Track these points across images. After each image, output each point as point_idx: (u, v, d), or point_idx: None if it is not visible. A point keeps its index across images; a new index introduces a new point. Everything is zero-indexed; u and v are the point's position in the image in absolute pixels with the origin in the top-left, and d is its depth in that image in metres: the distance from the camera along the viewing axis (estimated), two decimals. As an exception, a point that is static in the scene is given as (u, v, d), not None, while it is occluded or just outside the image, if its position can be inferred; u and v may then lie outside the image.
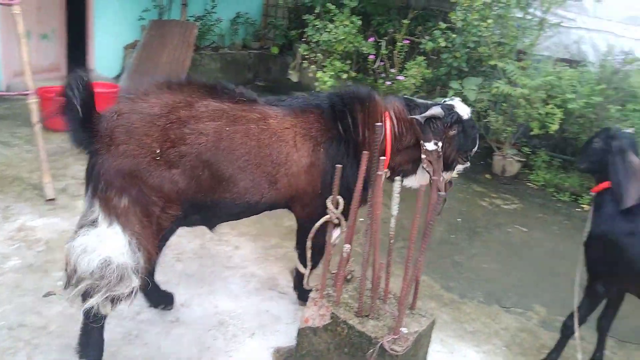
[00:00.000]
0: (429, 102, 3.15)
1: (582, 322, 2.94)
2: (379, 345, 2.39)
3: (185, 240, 4.18)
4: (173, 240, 3.18)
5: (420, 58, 6.57)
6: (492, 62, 6.28)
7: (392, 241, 2.58)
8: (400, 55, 6.79)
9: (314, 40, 7.30)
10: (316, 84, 7.30)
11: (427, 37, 6.89)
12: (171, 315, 3.27)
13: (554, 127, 5.53)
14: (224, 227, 4.43)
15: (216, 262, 3.96)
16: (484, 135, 6.80)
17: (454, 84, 6.46)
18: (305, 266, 3.02)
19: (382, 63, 6.98)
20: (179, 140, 2.40)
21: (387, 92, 7.03)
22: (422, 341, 2.61)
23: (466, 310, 3.70)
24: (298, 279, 3.38)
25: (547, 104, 5.85)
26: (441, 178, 2.96)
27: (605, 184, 2.84)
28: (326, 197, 2.67)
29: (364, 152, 2.51)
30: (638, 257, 2.64)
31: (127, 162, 2.31)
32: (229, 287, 3.66)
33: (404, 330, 2.48)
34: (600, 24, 6.79)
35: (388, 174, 2.92)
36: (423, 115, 2.92)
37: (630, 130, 2.98)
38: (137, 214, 2.37)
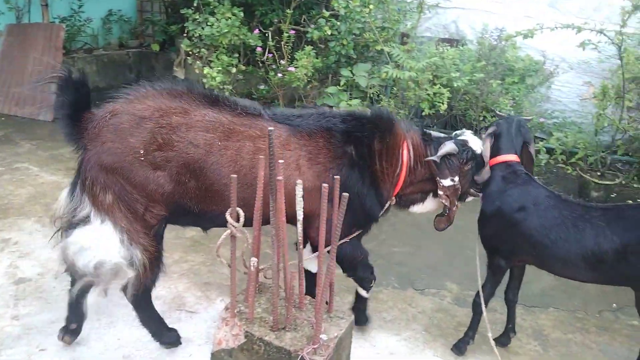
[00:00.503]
0: (441, 135, 3.14)
1: (490, 296, 3.02)
2: (299, 358, 2.24)
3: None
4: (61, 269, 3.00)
5: (309, 48, 6.47)
6: (378, 47, 6.34)
7: (300, 247, 2.43)
8: (287, 45, 6.63)
9: (196, 35, 6.92)
10: (204, 80, 6.95)
11: (312, 26, 6.80)
12: (66, 356, 2.89)
13: (443, 106, 5.70)
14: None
15: (114, 288, 3.57)
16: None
17: (345, 72, 6.45)
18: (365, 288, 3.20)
19: (271, 55, 6.78)
20: (166, 145, 2.45)
21: (280, 84, 6.87)
22: (343, 344, 2.50)
23: (383, 298, 3.68)
24: (359, 302, 3.32)
25: (435, 85, 6.02)
26: (454, 208, 3.02)
27: (494, 161, 2.93)
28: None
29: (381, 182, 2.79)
30: (531, 230, 2.74)
31: (110, 158, 2.42)
32: (132, 314, 3.31)
33: (323, 337, 2.35)
34: (475, 2, 7.13)
35: (393, 202, 3.03)
36: (438, 155, 2.89)
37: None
38: (122, 209, 2.48)
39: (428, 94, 5.99)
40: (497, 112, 3.83)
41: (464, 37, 7.15)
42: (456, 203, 3.00)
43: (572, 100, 6.67)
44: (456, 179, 2.91)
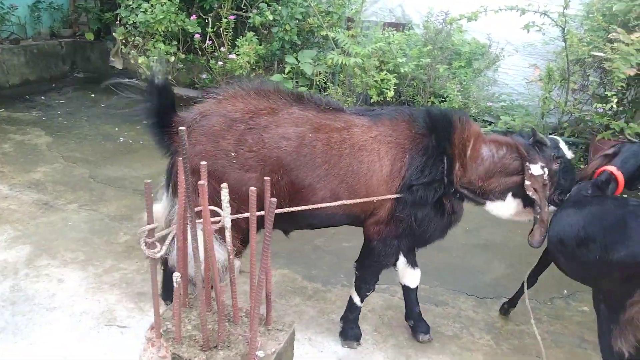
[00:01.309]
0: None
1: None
2: (233, 380, 2.02)
3: (-10, 283, 3.39)
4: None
5: (250, 34, 6.17)
6: (323, 33, 6.11)
7: (231, 257, 2.19)
8: (227, 32, 6.29)
9: (130, 22, 6.49)
10: (140, 70, 6.54)
11: (254, 11, 6.48)
12: None
13: (390, 93, 5.54)
14: (42, 259, 3.71)
15: (35, 305, 3.24)
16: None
17: (290, 59, 6.20)
18: (361, 293, 2.96)
19: (211, 42, 6.43)
20: (257, 145, 2.45)
21: (222, 72, 6.53)
22: (283, 358, 2.29)
23: (331, 298, 3.49)
24: (350, 311, 3.06)
25: (381, 71, 5.85)
26: (546, 208, 2.68)
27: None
28: (404, 215, 2.63)
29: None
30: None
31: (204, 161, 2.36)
32: (54, 334, 3.00)
33: (260, 354, 2.13)
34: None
35: (457, 185, 2.71)
36: (533, 137, 2.74)
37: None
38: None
39: (375, 81, 5.82)
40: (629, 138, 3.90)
41: (410, 21, 7.01)
42: (546, 202, 2.68)
43: (519, 83, 6.65)
44: (546, 169, 2.66)
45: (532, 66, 5.99)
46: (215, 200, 2.37)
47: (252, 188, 1.99)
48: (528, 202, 2.76)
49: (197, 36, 6.35)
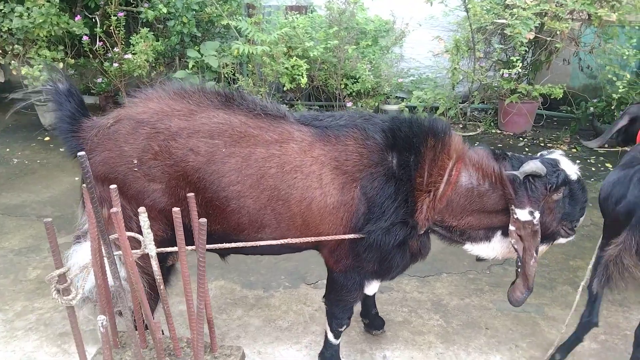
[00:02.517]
0: (522, 156, 2.33)
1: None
2: None
3: None
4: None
5: (144, 30, 5.72)
6: (223, 22, 5.80)
7: (161, 287, 1.94)
8: (119, 30, 5.79)
9: (4, 29, 5.78)
10: (25, 81, 5.88)
11: (146, 6, 6.01)
12: None
13: (304, 80, 5.38)
14: None
15: None
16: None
17: (192, 53, 5.83)
18: (333, 329, 2.60)
19: (102, 43, 5.90)
20: (163, 154, 2.11)
21: (119, 74, 6.03)
22: (237, 385, 2.10)
23: (275, 303, 3.31)
24: (326, 348, 2.70)
25: (291, 57, 5.67)
26: (532, 261, 2.17)
27: None
28: (362, 246, 2.20)
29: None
30: None
31: (103, 169, 2.15)
32: None
33: (212, 388, 1.92)
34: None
35: (425, 227, 2.23)
36: (523, 170, 2.14)
37: None
38: None
39: (286, 68, 5.63)
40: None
41: (312, 2, 6.86)
42: (533, 252, 2.16)
43: (425, 56, 6.75)
44: (537, 214, 2.14)
45: (436, 38, 6.08)
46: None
47: (176, 209, 1.76)
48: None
49: (85, 38, 5.79)
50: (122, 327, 2.25)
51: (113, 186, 1.80)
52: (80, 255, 2.19)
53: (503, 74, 5.15)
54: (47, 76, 5.72)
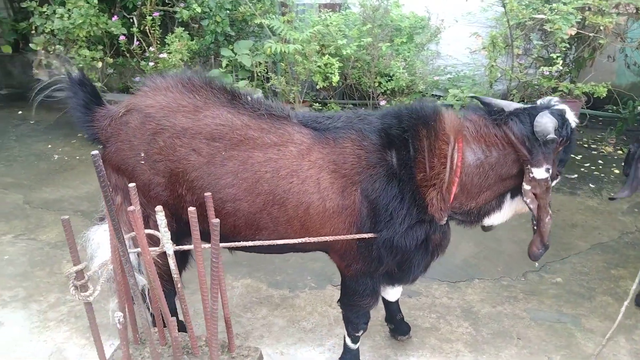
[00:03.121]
0: (522, 105, 2.19)
1: None
2: None
3: None
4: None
5: (179, 30, 5.78)
6: (257, 21, 5.79)
7: (179, 286, 1.93)
8: (154, 30, 5.88)
9: (47, 30, 5.97)
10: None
11: (182, 5, 6.08)
12: None
13: (335, 78, 5.31)
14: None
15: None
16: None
17: (225, 52, 5.86)
18: (350, 334, 2.55)
19: (138, 42, 6.00)
20: (167, 150, 2.14)
21: (154, 73, 6.13)
22: (254, 388, 2.07)
23: (300, 304, 3.27)
24: (345, 352, 2.65)
25: (324, 55, 5.62)
26: (547, 217, 2.11)
27: None
28: (369, 249, 2.15)
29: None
30: None
31: (117, 159, 2.21)
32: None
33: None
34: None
35: (443, 221, 2.17)
36: (546, 130, 1.98)
37: None
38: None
39: (319, 66, 5.58)
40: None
41: (346, 0, 6.78)
42: (548, 209, 2.11)
43: (462, 53, 6.56)
44: (551, 169, 2.06)
45: (474, 35, 5.90)
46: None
47: (192, 208, 1.73)
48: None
49: (122, 38, 5.90)
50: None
51: (132, 185, 1.80)
52: (98, 234, 2.30)
53: (543, 71, 4.94)
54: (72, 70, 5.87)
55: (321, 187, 2.09)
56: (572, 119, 2.13)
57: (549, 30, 4.62)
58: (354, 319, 2.48)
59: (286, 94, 5.92)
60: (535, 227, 2.17)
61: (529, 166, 2.05)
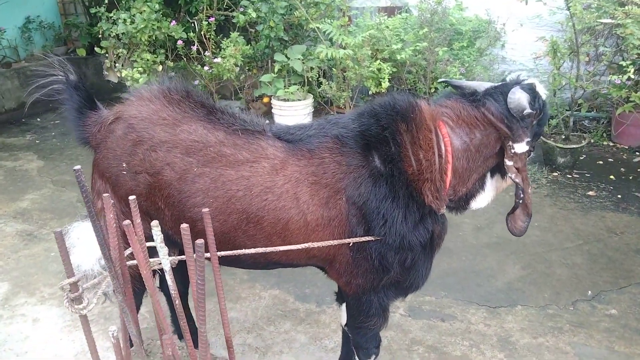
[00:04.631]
0: (489, 84, 2.14)
1: None
2: None
3: (-40, 328, 3.17)
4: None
5: (235, 35, 5.84)
6: (311, 26, 5.74)
7: (176, 302, 1.88)
8: (210, 34, 5.98)
9: (113, 34, 6.25)
10: (127, 83, 6.30)
11: (241, 10, 6.15)
12: None
13: (384, 84, 5.15)
14: (19, 297, 3.49)
15: (5, 350, 3.01)
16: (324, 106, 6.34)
17: (278, 56, 5.85)
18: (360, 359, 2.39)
19: (194, 47, 6.14)
20: (145, 163, 2.11)
21: (210, 77, 6.25)
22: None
23: (325, 321, 3.16)
24: None
25: (377, 60, 5.47)
26: (529, 188, 2.11)
27: None
28: (366, 259, 2.04)
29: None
30: None
31: (102, 165, 2.22)
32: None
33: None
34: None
35: (444, 207, 2.10)
36: (521, 106, 1.94)
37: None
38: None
39: (372, 71, 5.44)
40: None
41: (407, 3, 6.59)
42: (528, 179, 2.10)
43: (528, 58, 6.17)
44: (530, 141, 2.03)
45: (541, 39, 5.52)
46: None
47: (184, 225, 1.67)
48: (504, 170, 2.13)
49: (179, 42, 6.06)
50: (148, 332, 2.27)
51: (132, 197, 1.77)
52: (79, 230, 2.31)
53: (615, 80, 4.51)
54: (145, 78, 6.09)
55: (300, 202, 1.99)
56: (542, 91, 2.09)
57: (620, 35, 4.20)
58: (363, 343, 2.33)
59: (337, 100, 5.82)
60: (519, 201, 2.11)
61: (510, 142, 2.03)
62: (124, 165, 2.15)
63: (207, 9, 6.36)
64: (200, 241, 1.58)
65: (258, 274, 3.50)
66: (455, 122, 2.07)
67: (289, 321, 3.15)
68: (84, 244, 2.28)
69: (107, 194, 1.75)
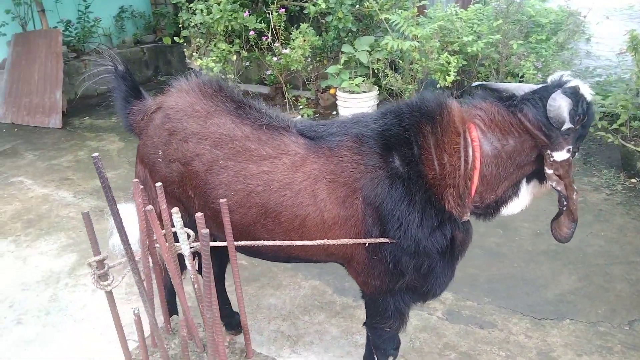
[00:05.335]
0: (531, 86, 2.01)
1: None
2: None
3: (33, 293, 3.52)
4: (17, 297, 3.07)
5: (304, 25, 5.90)
6: (381, 17, 5.67)
7: (195, 286, 1.97)
8: (279, 25, 6.08)
9: (192, 24, 6.55)
10: (203, 71, 6.58)
11: (312, 1, 6.20)
12: None
13: (450, 77, 4.98)
14: (84, 268, 3.80)
15: (66, 316, 3.30)
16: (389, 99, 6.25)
17: (346, 48, 5.85)
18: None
19: (265, 37, 6.27)
20: (179, 152, 2.21)
21: (279, 67, 6.36)
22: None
23: (360, 316, 3.16)
24: None
25: (448, 52, 5.30)
26: (574, 194, 1.98)
27: None
28: (381, 261, 2.02)
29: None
30: None
31: (142, 151, 2.34)
32: (79, 348, 3.03)
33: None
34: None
35: (467, 217, 2.03)
36: (560, 115, 1.81)
37: None
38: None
39: (440, 64, 5.28)
40: None
41: (484, -7, 6.30)
42: (573, 185, 1.97)
43: (616, 53, 5.69)
44: (571, 148, 1.90)
45: (629, 32, 5.06)
46: (149, 194, 2.36)
47: (199, 214, 1.75)
48: (543, 176, 1.99)
49: (251, 33, 6.22)
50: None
51: (159, 184, 1.88)
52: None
53: None
54: (219, 67, 6.32)
55: (317, 199, 1.99)
56: (587, 92, 1.92)
57: None
58: (380, 344, 2.31)
59: (402, 93, 5.72)
60: (563, 208, 1.98)
61: (548, 151, 1.91)
62: (160, 153, 2.26)
63: (279, 0, 6.47)
64: (205, 230, 1.65)
65: (301, 264, 3.56)
66: (488, 127, 1.96)
67: (324, 313, 3.19)
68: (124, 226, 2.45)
69: (136, 180, 1.87)
